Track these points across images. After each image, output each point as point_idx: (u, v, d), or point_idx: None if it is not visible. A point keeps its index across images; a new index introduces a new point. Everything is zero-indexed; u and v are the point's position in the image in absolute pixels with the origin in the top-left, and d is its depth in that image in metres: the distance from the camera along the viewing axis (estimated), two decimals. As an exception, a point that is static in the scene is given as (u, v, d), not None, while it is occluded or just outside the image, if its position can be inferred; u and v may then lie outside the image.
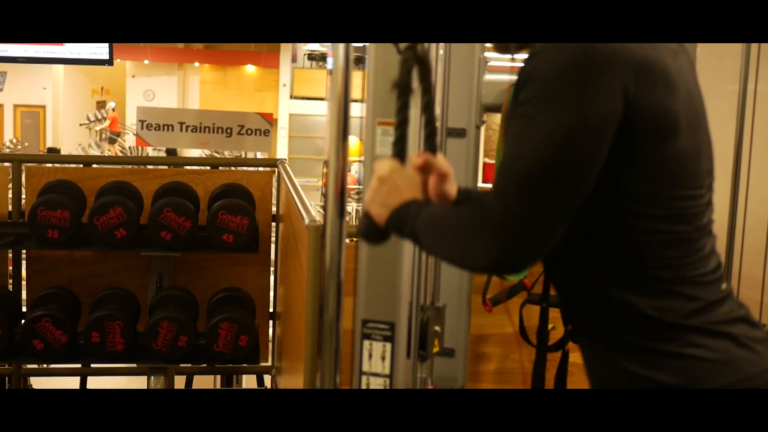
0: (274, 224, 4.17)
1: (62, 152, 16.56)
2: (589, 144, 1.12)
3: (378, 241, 1.40)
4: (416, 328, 1.99)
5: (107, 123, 18.16)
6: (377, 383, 1.93)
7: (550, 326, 2.25)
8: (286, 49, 18.84)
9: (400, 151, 1.39)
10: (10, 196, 3.85)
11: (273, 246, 4.16)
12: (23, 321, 3.43)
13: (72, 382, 4.12)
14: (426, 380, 2.24)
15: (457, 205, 1.43)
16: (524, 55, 1.22)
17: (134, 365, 3.76)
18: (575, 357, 1.55)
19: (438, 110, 2.33)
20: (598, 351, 1.28)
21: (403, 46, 1.39)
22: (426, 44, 1.41)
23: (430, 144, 1.43)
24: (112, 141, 17.85)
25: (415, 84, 1.39)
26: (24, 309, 3.72)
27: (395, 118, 1.39)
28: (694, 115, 1.23)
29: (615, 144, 1.14)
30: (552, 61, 1.13)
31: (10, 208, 3.83)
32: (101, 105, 19.66)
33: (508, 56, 1.42)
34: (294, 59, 19.14)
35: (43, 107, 19.54)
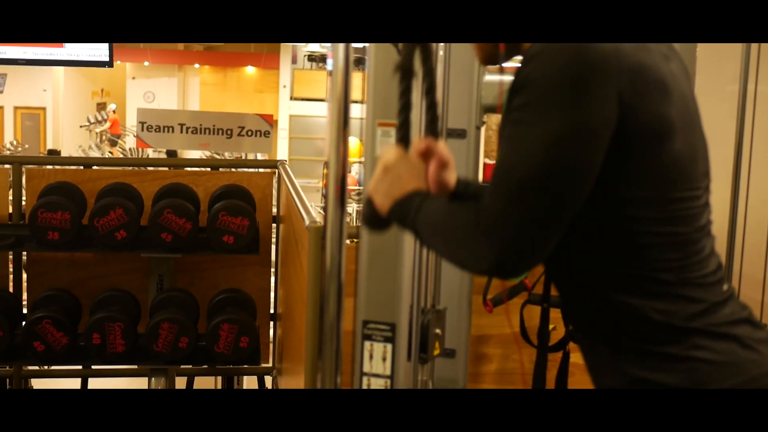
0: (274, 225, 4.17)
1: (62, 154, 16.57)
2: (584, 149, 1.12)
3: (380, 229, 1.40)
4: (417, 331, 1.99)
5: (108, 125, 18.18)
6: (378, 384, 1.93)
7: (551, 327, 2.25)
8: (286, 50, 18.85)
9: (403, 136, 1.39)
10: (10, 198, 3.85)
11: (273, 247, 4.16)
12: (24, 323, 3.44)
13: (73, 384, 4.12)
14: (427, 383, 2.24)
15: (455, 195, 1.43)
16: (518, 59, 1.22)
17: (135, 367, 3.76)
18: (576, 357, 1.55)
19: (438, 111, 2.32)
20: (600, 354, 1.27)
21: (402, 45, 1.38)
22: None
23: (433, 129, 1.43)
24: (113, 143, 17.86)
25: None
26: (24, 311, 3.72)
27: (398, 102, 1.38)
28: (688, 118, 1.23)
29: (611, 149, 1.14)
30: (547, 66, 1.12)
31: (10, 209, 3.83)
32: (101, 107, 19.67)
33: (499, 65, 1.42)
34: (294, 60, 19.15)
35: (44, 109, 19.55)
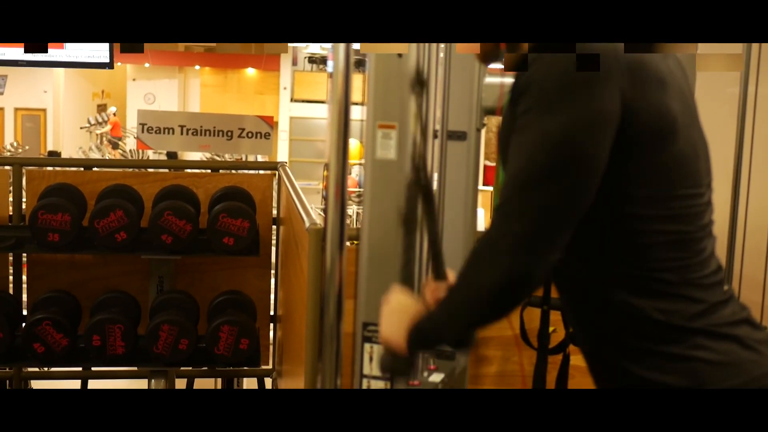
0: (274, 227, 4.17)
1: (63, 155, 16.57)
2: (589, 148, 1.13)
3: (404, 372, 1.41)
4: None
5: (108, 127, 18.17)
6: (378, 386, 1.93)
7: (551, 329, 2.25)
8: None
9: (407, 277, 1.47)
10: (10, 199, 3.85)
11: (273, 249, 4.15)
12: (24, 324, 3.44)
13: (73, 386, 4.11)
14: (428, 359, 2.23)
15: None
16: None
17: (135, 368, 3.76)
18: (576, 360, 1.55)
19: (438, 113, 2.33)
20: (601, 355, 1.27)
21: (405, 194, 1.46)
22: (429, 179, 1.45)
23: (439, 274, 1.47)
24: (114, 146, 17.86)
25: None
26: (24, 312, 3.72)
27: (401, 245, 1.43)
28: (688, 115, 1.23)
29: (615, 147, 1.14)
30: (548, 69, 1.13)
31: (10, 211, 3.83)
32: (102, 108, 19.67)
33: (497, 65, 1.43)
34: (294, 62, 19.15)
35: (44, 110, 19.55)
